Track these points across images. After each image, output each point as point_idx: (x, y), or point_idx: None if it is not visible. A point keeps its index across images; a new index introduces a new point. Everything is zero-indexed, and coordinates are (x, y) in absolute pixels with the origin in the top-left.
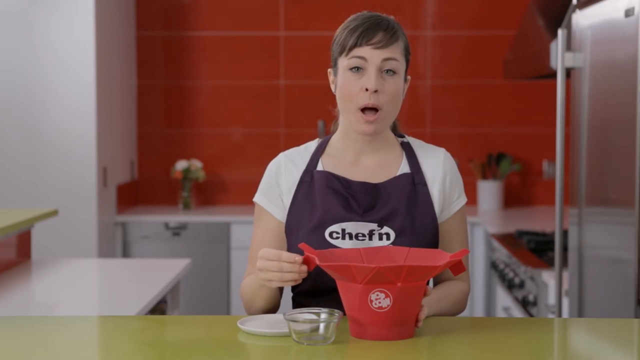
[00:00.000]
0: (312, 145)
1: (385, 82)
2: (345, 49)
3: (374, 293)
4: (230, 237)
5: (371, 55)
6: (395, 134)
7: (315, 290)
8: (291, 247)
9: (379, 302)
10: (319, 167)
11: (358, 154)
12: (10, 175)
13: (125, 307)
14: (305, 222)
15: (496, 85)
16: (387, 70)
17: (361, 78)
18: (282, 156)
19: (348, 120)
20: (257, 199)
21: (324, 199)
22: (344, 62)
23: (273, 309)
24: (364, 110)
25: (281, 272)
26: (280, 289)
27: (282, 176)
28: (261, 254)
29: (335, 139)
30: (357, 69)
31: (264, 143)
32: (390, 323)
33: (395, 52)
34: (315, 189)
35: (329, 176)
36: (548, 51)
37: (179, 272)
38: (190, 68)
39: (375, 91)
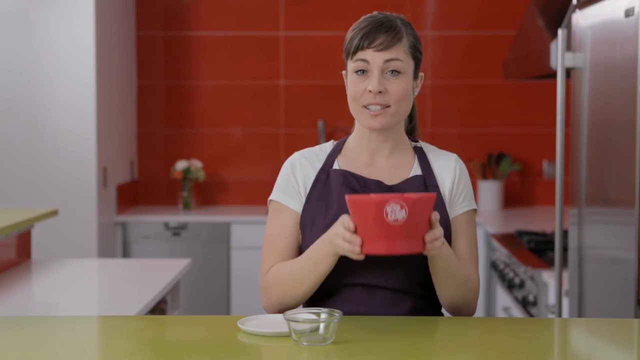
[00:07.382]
0: (327, 146)
1: (390, 82)
2: (350, 53)
3: (389, 205)
4: (230, 237)
5: (373, 57)
6: (409, 138)
7: (320, 291)
8: (305, 243)
9: (395, 215)
10: (335, 167)
11: (373, 154)
12: (10, 175)
13: (125, 307)
14: (320, 219)
15: (496, 85)
16: (392, 71)
17: (365, 80)
18: (297, 154)
19: (358, 120)
20: (273, 196)
21: (340, 196)
22: (350, 65)
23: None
24: (368, 105)
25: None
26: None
27: (298, 171)
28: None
29: (350, 140)
30: (361, 71)
31: (264, 143)
32: (404, 235)
33: (398, 52)
34: (331, 187)
35: (346, 174)
36: (548, 51)
37: (179, 272)
38: (190, 68)
39: (380, 92)
